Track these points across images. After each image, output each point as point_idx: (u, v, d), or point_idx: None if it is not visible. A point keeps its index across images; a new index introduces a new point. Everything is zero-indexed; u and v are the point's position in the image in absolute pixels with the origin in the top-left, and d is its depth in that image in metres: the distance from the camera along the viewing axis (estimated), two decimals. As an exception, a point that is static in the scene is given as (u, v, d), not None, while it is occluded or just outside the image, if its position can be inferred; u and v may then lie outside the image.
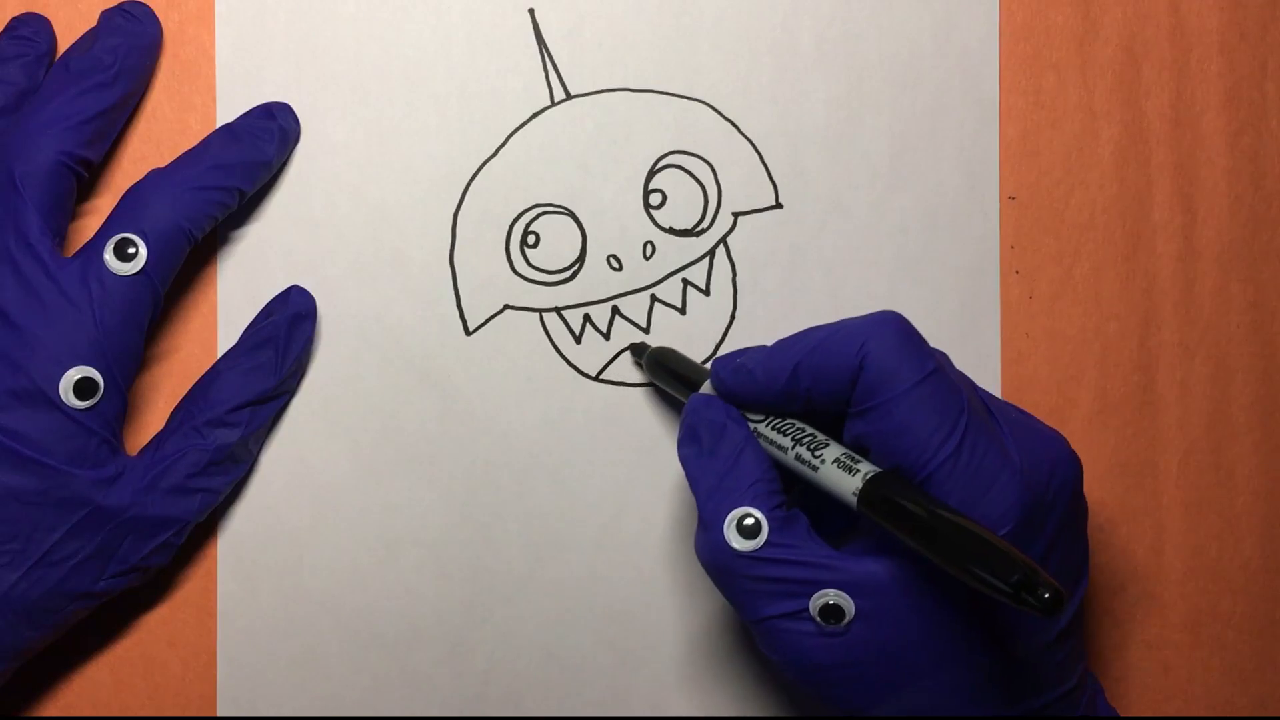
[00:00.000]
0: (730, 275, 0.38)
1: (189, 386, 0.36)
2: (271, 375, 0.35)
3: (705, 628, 0.37)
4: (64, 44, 0.36)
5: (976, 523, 0.26)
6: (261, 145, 0.35)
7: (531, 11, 0.37)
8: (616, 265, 0.37)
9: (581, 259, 0.37)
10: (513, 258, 0.37)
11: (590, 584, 0.37)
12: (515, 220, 0.37)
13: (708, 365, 0.36)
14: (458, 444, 0.37)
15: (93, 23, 0.35)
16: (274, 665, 0.37)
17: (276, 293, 0.36)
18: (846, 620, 0.29)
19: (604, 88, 0.37)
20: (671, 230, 0.38)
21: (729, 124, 0.37)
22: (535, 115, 0.37)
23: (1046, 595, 0.24)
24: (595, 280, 0.37)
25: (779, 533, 0.30)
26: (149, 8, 0.36)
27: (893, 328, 0.30)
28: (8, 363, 0.31)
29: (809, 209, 0.38)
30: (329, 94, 0.37)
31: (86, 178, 0.34)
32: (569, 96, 0.37)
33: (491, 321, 0.37)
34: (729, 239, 0.38)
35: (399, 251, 0.37)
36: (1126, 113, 0.38)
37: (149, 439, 0.35)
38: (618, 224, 0.37)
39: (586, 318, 0.37)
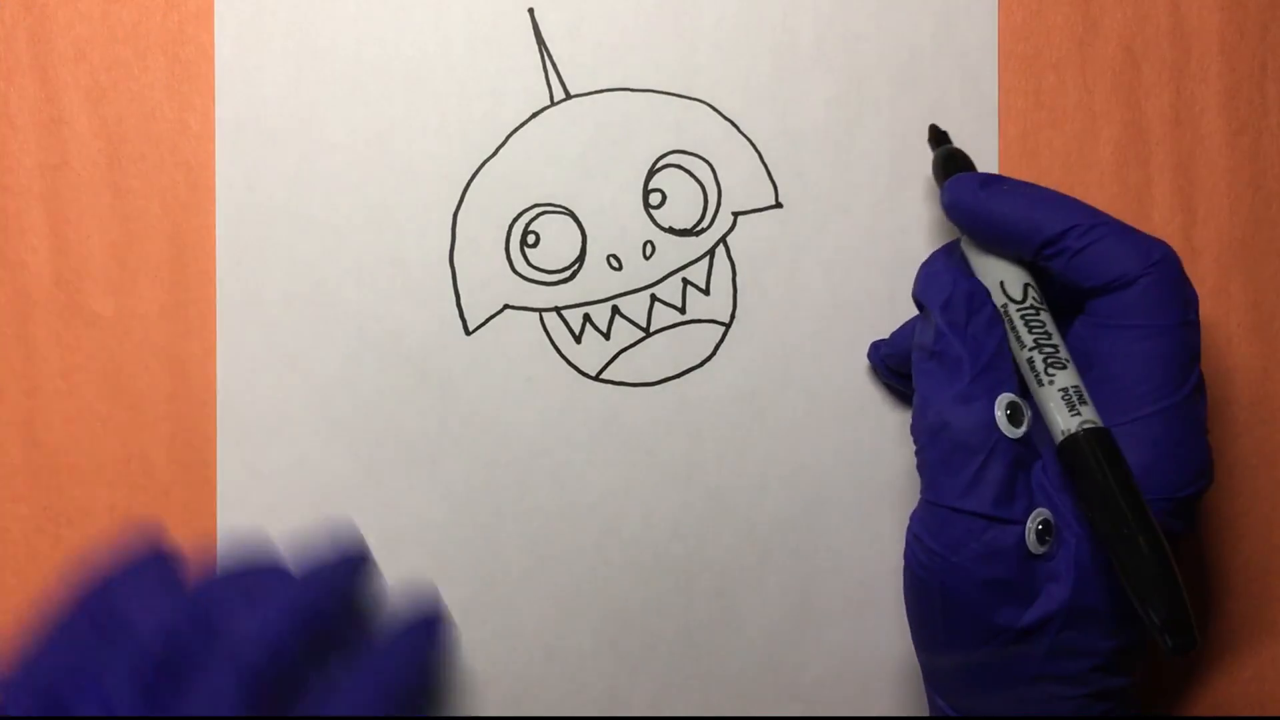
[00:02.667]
0: (730, 275, 0.38)
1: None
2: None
3: (705, 628, 0.37)
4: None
5: (1160, 527, 0.27)
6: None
7: (531, 11, 0.37)
8: (616, 265, 0.37)
9: (581, 259, 0.37)
10: (512, 257, 0.37)
11: (590, 584, 0.37)
12: (515, 220, 0.37)
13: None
14: (458, 444, 0.37)
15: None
16: (274, 665, 0.37)
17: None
18: (1049, 544, 0.29)
19: (604, 87, 0.37)
20: (671, 230, 0.38)
21: (729, 124, 0.37)
22: (535, 115, 0.37)
23: (1173, 643, 0.25)
24: (595, 280, 0.37)
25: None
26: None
27: (1177, 265, 0.30)
28: None
29: (809, 209, 0.38)
30: (329, 94, 0.37)
31: None
32: (569, 96, 0.37)
33: (491, 321, 0.37)
34: (729, 238, 0.38)
35: (399, 251, 0.37)
36: (1126, 113, 0.38)
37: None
38: (618, 224, 0.37)
39: (586, 317, 0.37)
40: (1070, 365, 0.30)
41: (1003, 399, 0.29)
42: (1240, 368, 0.38)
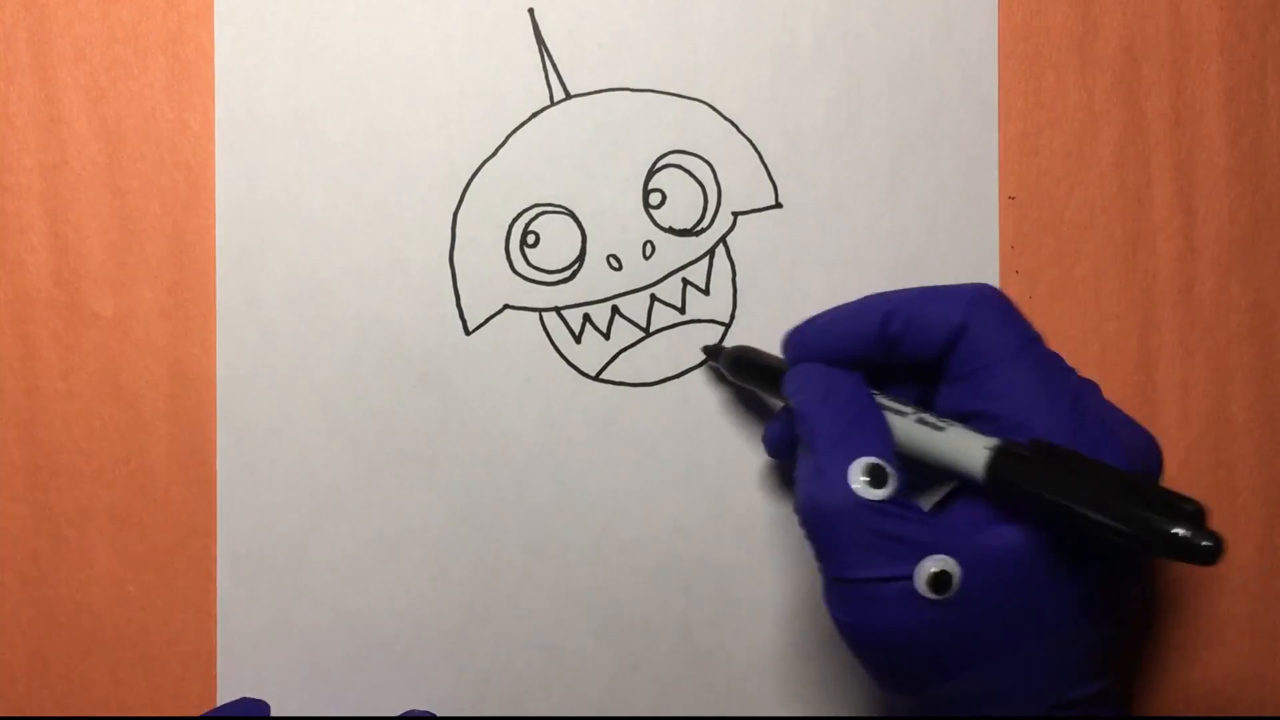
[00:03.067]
0: (730, 275, 0.38)
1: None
2: None
3: (705, 628, 0.37)
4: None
5: (1125, 472, 0.26)
6: None
7: (531, 11, 0.37)
8: (616, 265, 0.37)
9: (581, 259, 0.37)
10: (512, 257, 0.37)
11: (590, 584, 0.37)
12: (515, 220, 0.37)
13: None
14: (458, 444, 0.37)
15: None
16: (274, 665, 0.37)
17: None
18: (952, 590, 0.28)
19: (604, 87, 0.37)
20: (671, 230, 0.38)
21: (729, 124, 0.37)
22: (535, 115, 0.37)
23: (1211, 543, 0.24)
24: (595, 280, 0.37)
25: (902, 490, 0.29)
26: None
27: (998, 297, 0.30)
28: None
29: (809, 209, 0.38)
30: (329, 94, 0.37)
31: None
32: (569, 96, 0.37)
33: (491, 321, 0.37)
34: (729, 238, 0.38)
35: (399, 251, 0.37)
36: (1126, 113, 0.38)
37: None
38: (617, 224, 0.37)
39: (586, 317, 0.37)
40: (948, 419, 0.30)
41: (859, 464, 0.29)
42: (1240, 368, 0.38)
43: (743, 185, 0.38)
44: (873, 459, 0.29)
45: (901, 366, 0.32)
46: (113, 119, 0.37)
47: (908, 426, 0.30)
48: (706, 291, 0.38)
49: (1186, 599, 0.38)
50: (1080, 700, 0.30)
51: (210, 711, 0.35)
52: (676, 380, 0.37)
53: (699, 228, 0.38)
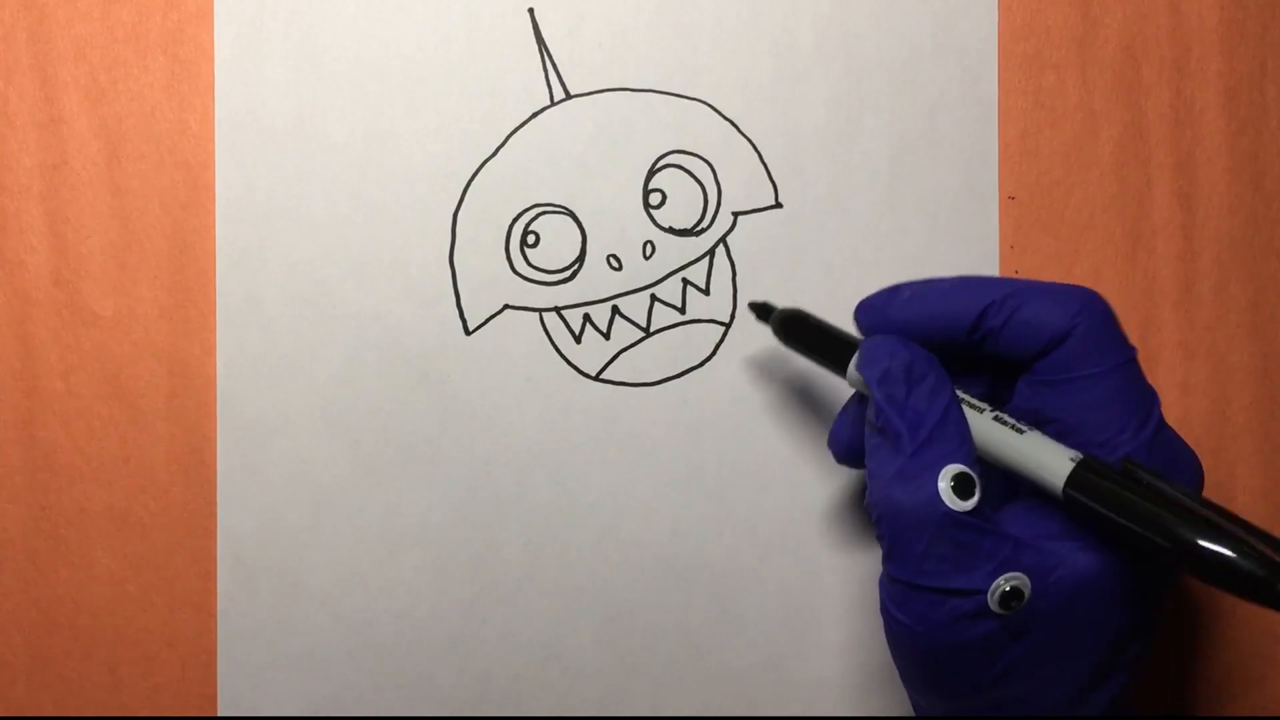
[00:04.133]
0: (730, 275, 0.38)
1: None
2: None
3: (705, 628, 0.37)
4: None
5: (1211, 504, 0.26)
6: None
7: (531, 11, 0.37)
8: (616, 265, 0.37)
9: (581, 259, 0.37)
10: (512, 257, 0.37)
11: (590, 584, 0.37)
12: (515, 220, 0.37)
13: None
14: (458, 444, 0.37)
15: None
16: (274, 665, 0.37)
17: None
18: (1020, 606, 0.27)
19: (604, 87, 0.37)
20: (671, 230, 0.38)
21: (729, 124, 0.37)
22: (535, 115, 0.37)
23: None
24: (595, 280, 0.37)
25: (986, 500, 0.28)
26: None
27: (1104, 307, 0.29)
28: None
29: (809, 209, 0.38)
30: (329, 94, 0.37)
31: None
32: (569, 96, 0.37)
33: (491, 321, 0.37)
34: (729, 239, 0.38)
35: (399, 251, 0.37)
36: (1126, 113, 0.38)
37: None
38: (617, 224, 0.37)
39: (586, 317, 0.37)
40: (1029, 428, 0.29)
41: (947, 471, 0.28)
42: (1240, 368, 0.38)
43: (743, 185, 0.38)
44: (962, 467, 0.28)
45: (981, 356, 0.31)
46: (113, 119, 0.37)
47: (984, 424, 0.29)
48: (706, 291, 0.38)
49: (1187, 598, 0.38)
50: (1102, 700, 0.30)
51: None
52: (676, 380, 0.37)
53: (699, 228, 0.38)
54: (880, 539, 0.29)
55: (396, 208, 0.37)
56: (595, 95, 0.37)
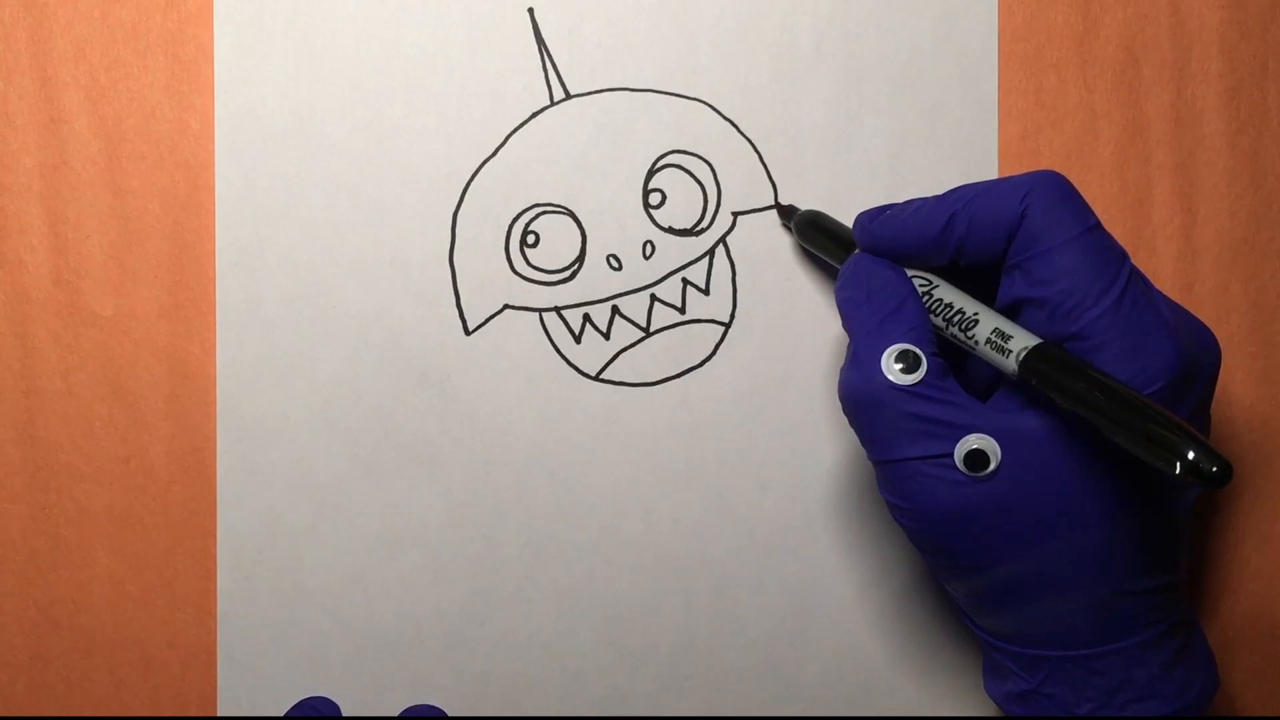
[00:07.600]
0: (730, 275, 0.38)
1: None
2: None
3: (705, 628, 0.37)
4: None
5: (1138, 392, 0.26)
6: None
7: (531, 11, 0.37)
8: (616, 265, 0.37)
9: (581, 259, 0.37)
10: (512, 257, 0.37)
11: (590, 584, 0.37)
12: (515, 220, 0.37)
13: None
14: (458, 444, 0.37)
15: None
16: (274, 665, 0.37)
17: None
18: (991, 469, 0.29)
19: (603, 87, 0.37)
20: (671, 230, 0.38)
21: (728, 124, 0.37)
22: (535, 115, 0.37)
23: (1215, 469, 0.24)
24: (595, 280, 0.37)
25: (935, 374, 0.30)
26: None
27: (1057, 182, 0.30)
28: None
29: (809, 209, 0.38)
30: (329, 94, 0.37)
31: None
32: (568, 96, 0.37)
33: (491, 321, 0.37)
34: (729, 238, 0.38)
35: (399, 251, 0.37)
36: (1126, 113, 0.38)
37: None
38: (617, 224, 0.37)
39: (586, 317, 0.37)
40: (984, 315, 0.30)
41: (891, 350, 0.30)
42: (1240, 368, 0.38)
43: (743, 185, 0.38)
44: (904, 345, 0.30)
45: (980, 270, 0.32)
46: (113, 119, 0.37)
47: (945, 336, 0.31)
48: (706, 291, 0.38)
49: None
50: (1139, 592, 0.30)
51: (287, 712, 0.36)
52: (676, 380, 0.37)
53: (699, 228, 0.38)
54: (855, 431, 0.31)
55: (396, 207, 0.37)
56: (595, 95, 0.37)
